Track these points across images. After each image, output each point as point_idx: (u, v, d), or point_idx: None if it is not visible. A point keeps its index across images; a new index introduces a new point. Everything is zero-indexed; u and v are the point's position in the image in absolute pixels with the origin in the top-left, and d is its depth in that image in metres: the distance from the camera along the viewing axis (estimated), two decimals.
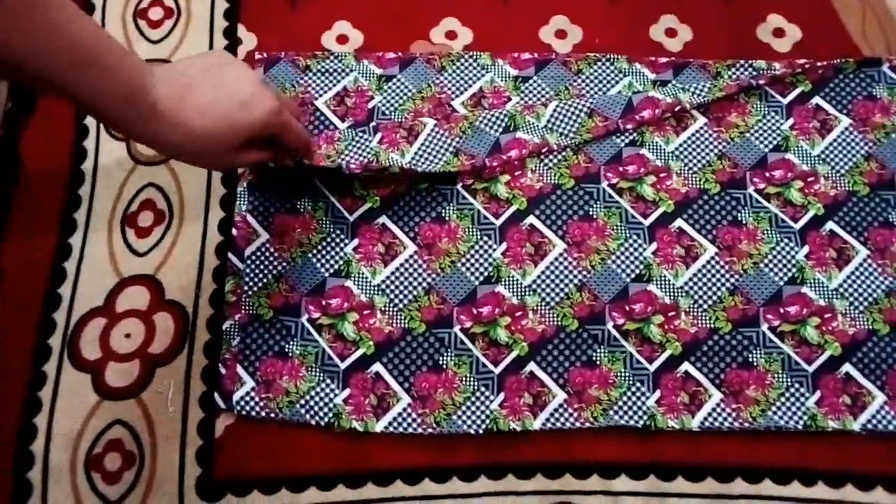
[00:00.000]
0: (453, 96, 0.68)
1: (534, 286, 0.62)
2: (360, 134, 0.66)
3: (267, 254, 0.63)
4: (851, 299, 0.61)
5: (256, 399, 0.59)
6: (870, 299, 0.61)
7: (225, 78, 0.49)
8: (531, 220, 0.64)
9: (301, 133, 0.58)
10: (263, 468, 0.58)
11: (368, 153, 0.64)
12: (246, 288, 0.62)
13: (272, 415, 0.58)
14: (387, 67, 0.69)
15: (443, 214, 0.65)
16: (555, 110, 0.66)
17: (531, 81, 0.69)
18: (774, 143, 0.67)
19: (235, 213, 0.65)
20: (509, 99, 0.68)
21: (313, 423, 0.58)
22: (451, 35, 0.72)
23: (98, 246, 0.64)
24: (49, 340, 0.61)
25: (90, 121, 0.69)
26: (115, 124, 0.46)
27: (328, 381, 0.60)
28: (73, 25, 0.41)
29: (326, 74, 0.69)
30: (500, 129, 0.66)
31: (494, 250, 0.63)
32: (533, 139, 0.66)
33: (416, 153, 0.65)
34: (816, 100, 0.68)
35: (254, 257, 0.63)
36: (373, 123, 0.67)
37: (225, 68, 0.50)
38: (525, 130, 0.66)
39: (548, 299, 0.62)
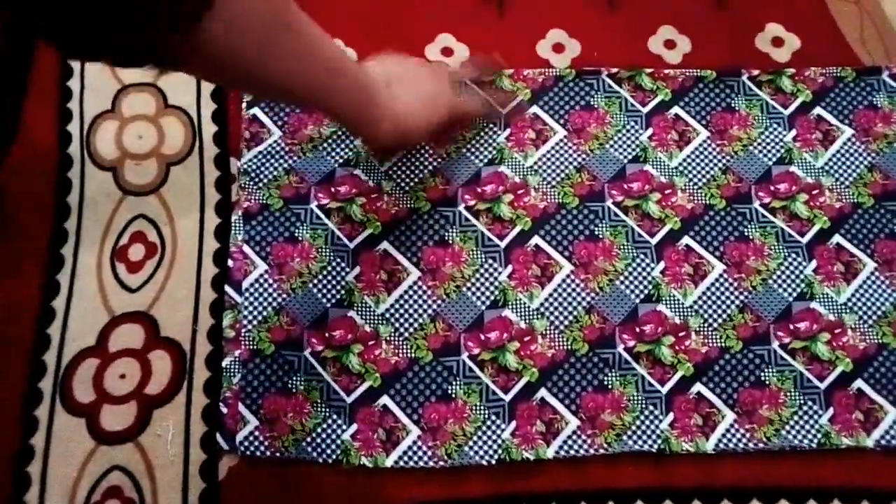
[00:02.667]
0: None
1: (542, 309, 0.61)
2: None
3: (266, 285, 0.61)
4: (860, 313, 0.61)
5: (261, 438, 0.57)
6: (878, 312, 0.61)
7: (419, 79, 0.56)
8: (536, 240, 0.63)
9: (475, 112, 0.63)
10: None
11: (349, 150, 0.65)
12: (245, 322, 0.60)
13: (278, 454, 0.57)
14: None
15: (446, 238, 0.63)
16: (545, 154, 0.66)
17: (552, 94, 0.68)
18: (778, 155, 0.66)
19: (231, 244, 0.62)
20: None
21: (321, 460, 0.57)
22: (446, 51, 0.70)
23: (87, 283, 0.62)
24: (40, 384, 0.59)
25: (74, 149, 0.66)
26: (355, 126, 0.53)
27: (335, 416, 0.58)
28: (324, 48, 0.46)
29: None
30: (485, 161, 0.65)
31: (500, 273, 0.62)
32: (514, 178, 0.65)
33: (394, 163, 0.65)
34: (818, 110, 0.68)
35: (252, 289, 0.61)
36: None
37: (419, 71, 0.57)
38: (509, 166, 0.65)
39: (556, 323, 0.61)
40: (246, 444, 0.57)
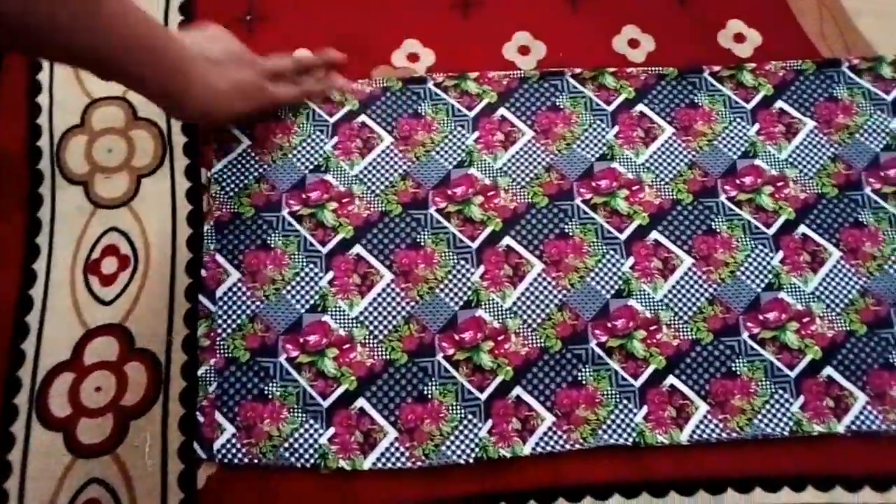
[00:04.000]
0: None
1: (514, 308, 0.62)
2: (318, 133, 0.66)
3: (239, 293, 0.61)
4: (828, 302, 0.62)
5: (238, 446, 0.57)
6: (846, 300, 0.62)
7: (233, 64, 0.59)
8: (507, 241, 0.64)
9: (293, 97, 0.67)
10: None
11: (319, 156, 0.66)
12: (220, 331, 0.60)
13: (255, 461, 0.57)
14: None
15: (418, 240, 0.64)
16: (513, 156, 0.66)
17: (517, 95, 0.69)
18: (742, 149, 0.67)
19: (204, 253, 0.63)
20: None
21: (299, 465, 0.57)
22: (412, 57, 0.71)
23: (61, 297, 0.62)
24: (15, 400, 0.59)
25: (45, 165, 0.66)
26: (160, 98, 0.55)
27: (311, 421, 0.58)
28: (128, 17, 0.48)
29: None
30: (455, 163, 0.66)
31: (472, 274, 0.63)
32: (484, 180, 0.65)
33: (365, 167, 0.66)
34: (779, 103, 0.69)
35: (226, 298, 0.61)
36: (333, 120, 0.67)
37: (235, 55, 0.60)
38: (478, 168, 0.66)
39: (529, 321, 0.61)
40: (223, 451, 0.57)
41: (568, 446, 0.58)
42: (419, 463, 0.57)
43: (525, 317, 0.61)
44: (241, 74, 0.59)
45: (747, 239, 0.64)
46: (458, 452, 0.57)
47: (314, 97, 0.68)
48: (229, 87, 0.58)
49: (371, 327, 0.61)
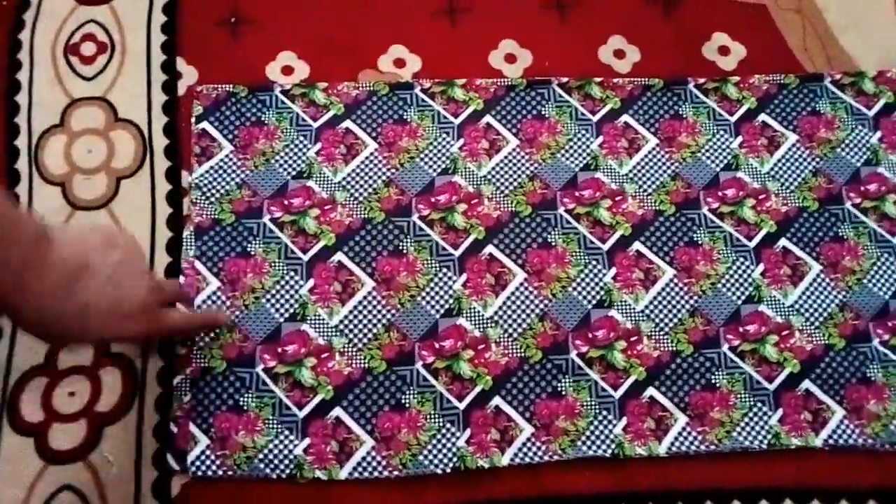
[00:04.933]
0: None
1: (496, 318, 0.61)
2: (301, 138, 0.66)
3: (218, 303, 0.61)
4: (807, 315, 0.62)
5: (212, 457, 0.56)
6: (825, 314, 0.62)
7: (123, 283, 0.46)
8: (490, 249, 0.63)
9: (181, 328, 0.57)
10: None
11: (303, 162, 0.65)
12: (197, 339, 0.59)
13: (230, 472, 0.56)
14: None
15: (400, 248, 0.63)
16: (498, 164, 0.66)
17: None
18: (725, 161, 0.67)
19: (183, 259, 0.62)
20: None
21: (274, 476, 0.56)
22: (399, 63, 0.71)
23: None
24: None
25: (22, 165, 0.65)
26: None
27: (286, 432, 0.57)
28: None
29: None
30: (439, 170, 0.65)
31: (454, 282, 0.62)
32: (468, 187, 0.65)
33: (349, 173, 0.65)
34: (763, 117, 0.69)
35: (204, 307, 0.60)
36: (317, 125, 0.66)
37: (127, 273, 0.47)
38: (462, 176, 0.66)
39: (510, 331, 0.61)
40: (197, 463, 0.56)
41: (547, 457, 0.58)
42: (396, 472, 0.57)
43: (506, 326, 0.61)
44: (127, 292, 0.47)
45: (728, 251, 0.64)
46: (436, 462, 0.57)
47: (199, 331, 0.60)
48: (106, 305, 0.45)
49: (350, 335, 0.60)
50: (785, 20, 0.74)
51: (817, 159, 0.68)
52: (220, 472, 0.56)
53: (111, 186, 0.65)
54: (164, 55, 0.70)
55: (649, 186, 0.66)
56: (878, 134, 0.69)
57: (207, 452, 0.56)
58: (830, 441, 0.59)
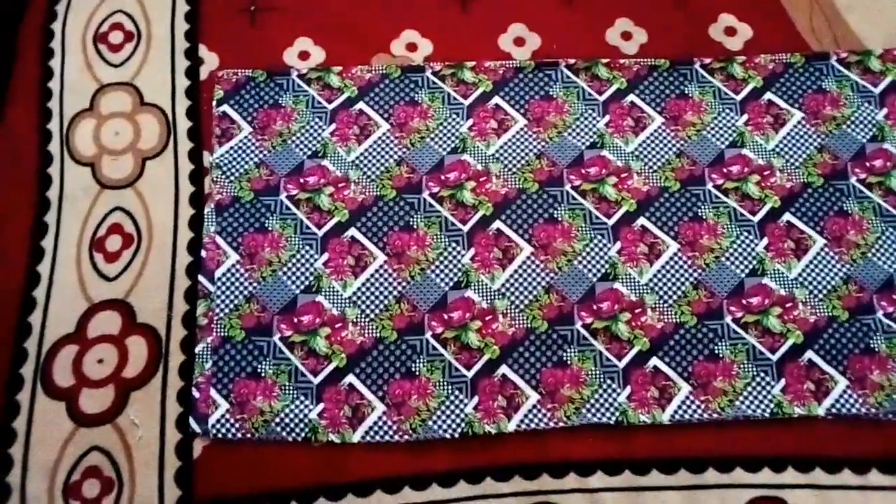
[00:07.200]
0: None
1: (503, 290, 0.63)
2: (316, 120, 0.68)
3: (237, 275, 0.64)
4: (811, 288, 0.63)
5: (232, 421, 0.59)
6: (828, 287, 0.63)
7: None
8: (498, 224, 0.65)
9: None
10: (243, 486, 0.58)
11: (318, 143, 0.67)
12: (217, 310, 0.62)
13: (248, 435, 0.59)
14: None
15: (411, 223, 0.65)
16: (506, 143, 0.68)
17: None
18: (730, 139, 0.68)
19: (204, 235, 0.65)
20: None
21: (290, 439, 0.59)
22: (411, 47, 0.73)
23: (67, 272, 0.64)
24: (21, 370, 0.61)
25: (54, 147, 0.69)
26: None
27: (302, 397, 0.60)
28: None
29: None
30: (448, 149, 0.68)
31: (463, 256, 0.64)
32: (476, 165, 0.67)
33: (362, 153, 0.68)
34: (768, 95, 0.70)
35: (224, 279, 0.63)
36: (332, 106, 0.69)
37: None
38: (471, 154, 0.68)
39: (517, 302, 0.63)
40: (218, 426, 0.59)
41: (552, 424, 0.59)
42: (406, 437, 0.59)
43: (513, 298, 0.63)
44: None
45: (733, 226, 0.65)
46: (445, 427, 0.59)
47: None
48: None
49: (363, 306, 0.63)
50: (792, 1, 0.75)
51: (823, 136, 0.68)
52: (239, 435, 0.59)
53: (137, 166, 0.68)
54: (187, 42, 0.73)
55: (655, 164, 0.68)
56: (884, 111, 0.69)
57: (227, 416, 0.59)
58: (833, 410, 0.59)
